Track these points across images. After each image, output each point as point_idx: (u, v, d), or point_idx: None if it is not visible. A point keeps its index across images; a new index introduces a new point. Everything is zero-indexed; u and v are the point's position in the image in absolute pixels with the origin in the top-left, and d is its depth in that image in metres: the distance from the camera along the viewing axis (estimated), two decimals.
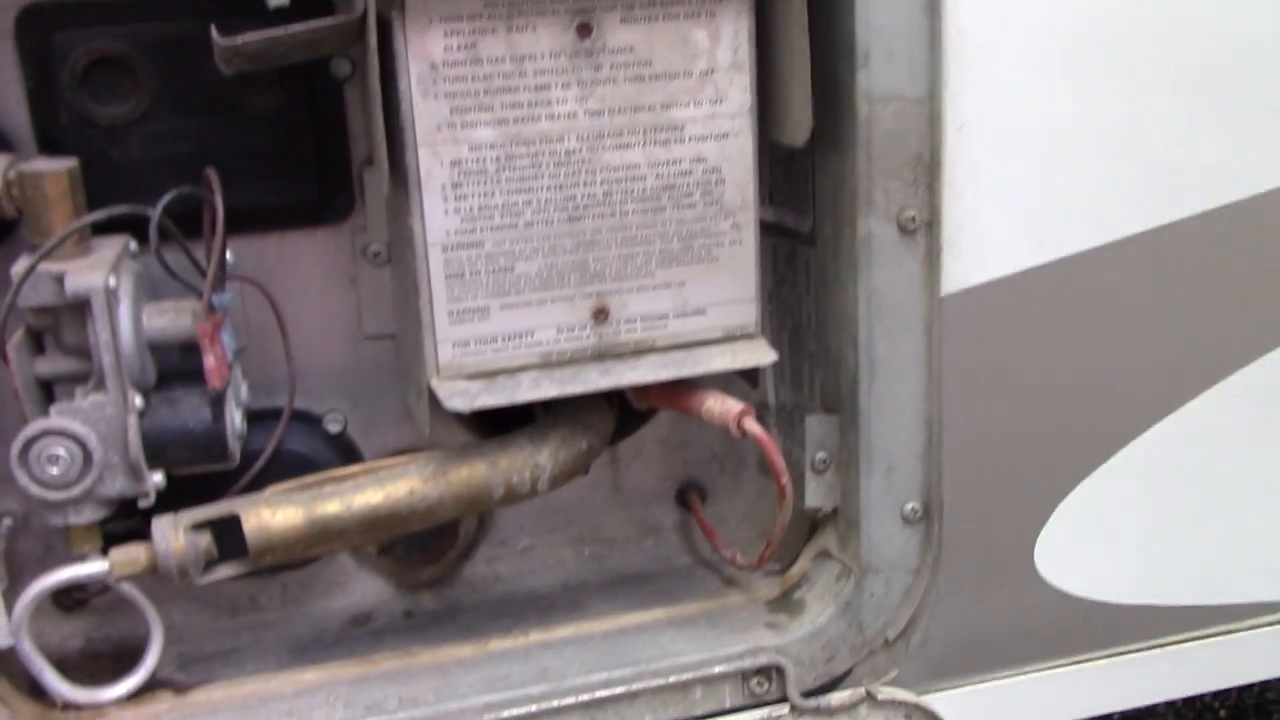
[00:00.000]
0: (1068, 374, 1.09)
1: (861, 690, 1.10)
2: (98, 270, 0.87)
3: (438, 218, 0.92)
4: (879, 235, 1.00)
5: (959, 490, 1.08)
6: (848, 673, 1.10)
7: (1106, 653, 1.19)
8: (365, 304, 1.06)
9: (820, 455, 1.09)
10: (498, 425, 1.06)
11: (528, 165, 0.93)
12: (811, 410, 1.11)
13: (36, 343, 0.92)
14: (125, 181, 0.96)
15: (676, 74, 0.95)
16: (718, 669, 1.05)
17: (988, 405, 1.07)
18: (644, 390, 1.03)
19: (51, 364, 0.91)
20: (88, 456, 0.89)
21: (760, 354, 1.01)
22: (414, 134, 0.90)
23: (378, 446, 1.11)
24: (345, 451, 1.09)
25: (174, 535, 0.91)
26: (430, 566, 1.16)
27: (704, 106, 0.96)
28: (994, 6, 0.98)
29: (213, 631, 1.10)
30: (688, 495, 1.22)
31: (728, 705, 1.07)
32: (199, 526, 0.93)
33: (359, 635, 1.10)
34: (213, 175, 0.91)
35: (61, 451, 0.88)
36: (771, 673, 1.07)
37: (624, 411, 1.09)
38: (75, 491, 0.89)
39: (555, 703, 1.02)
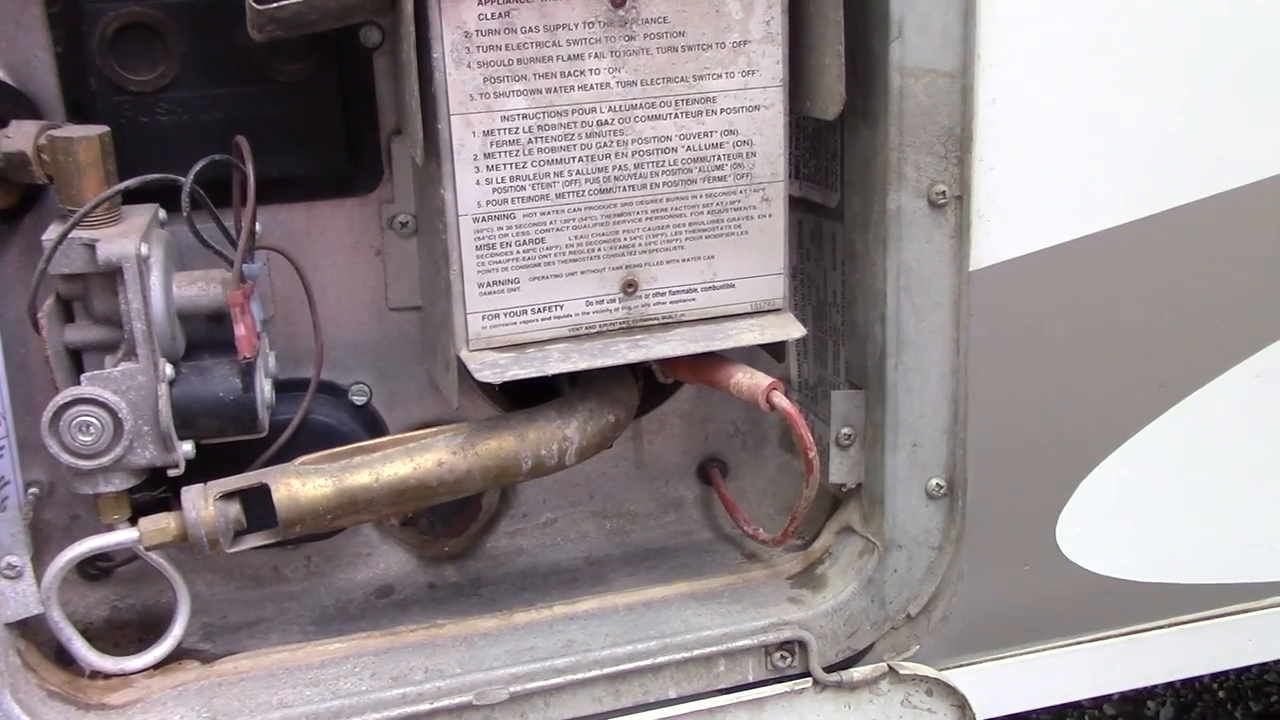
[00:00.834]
0: (1093, 351, 1.09)
1: (883, 665, 1.11)
2: (130, 238, 0.87)
3: (469, 188, 0.92)
4: (909, 210, 1.00)
5: (983, 466, 1.08)
6: (870, 648, 1.11)
7: (1126, 630, 1.19)
8: (391, 276, 1.06)
9: (845, 430, 1.09)
10: (520, 398, 1.06)
11: (560, 136, 0.93)
12: (836, 385, 1.11)
13: (66, 311, 0.91)
14: (153, 149, 0.95)
15: (709, 45, 0.94)
16: (741, 642, 1.06)
17: (1013, 382, 1.07)
18: (670, 364, 1.03)
19: (81, 332, 0.91)
20: (118, 425, 0.89)
21: (789, 328, 1.01)
22: (447, 103, 0.89)
23: (402, 418, 1.10)
24: (370, 423, 1.09)
25: (204, 504, 0.91)
26: (453, 539, 1.16)
27: (736, 78, 0.96)
28: None
29: (237, 602, 1.10)
30: (709, 470, 1.22)
31: (750, 678, 1.08)
32: (228, 496, 0.92)
33: (383, 607, 1.10)
34: (243, 143, 0.91)
35: (93, 419, 0.88)
36: (794, 647, 1.08)
37: (648, 385, 1.09)
38: (106, 460, 0.89)
39: (580, 675, 1.02)
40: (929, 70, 0.97)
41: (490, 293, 0.94)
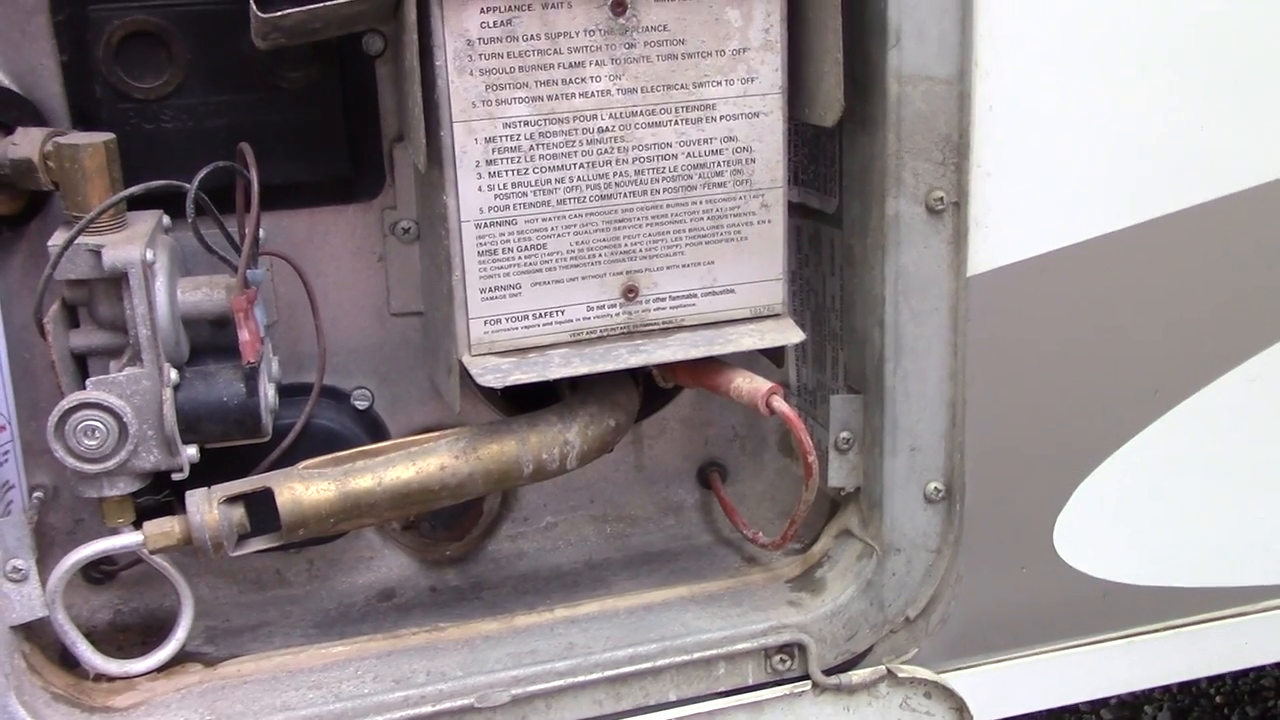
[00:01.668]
0: (1090, 356, 1.10)
1: (882, 668, 1.11)
2: (135, 244, 0.88)
3: (471, 194, 0.92)
4: (907, 215, 1.01)
5: (981, 471, 1.09)
6: (868, 651, 1.11)
7: (1123, 633, 1.20)
8: (394, 281, 1.07)
9: (844, 435, 1.10)
10: (521, 403, 1.07)
11: (561, 143, 0.93)
12: (834, 390, 1.12)
13: (71, 316, 0.92)
14: (158, 155, 0.96)
15: (709, 53, 0.95)
16: (740, 646, 1.06)
17: (1010, 386, 1.08)
18: (671, 368, 1.04)
19: (86, 337, 0.92)
20: (123, 429, 0.89)
21: (788, 333, 1.02)
22: (450, 110, 0.90)
23: (404, 423, 1.11)
24: (372, 427, 1.09)
25: (208, 508, 0.92)
26: (455, 543, 1.17)
27: (735, 85, 0.97)
28: None
29: (240, 606, 1.10)
30: (709, 474, 1.22)
31: (750, 681, 1.08)
32: (232, 500, 0.93)
33: (385, 610, 1.11)
34: (247, 150, 0.91)
35: (98, 424, 0.89)
36: (794, 650, 1.08)
37: (648, 390, 1.10)
38: (111, 464, 0.90)
39: (581, 678, 1.02)
40: (927, 77, 0.98)
41: (492, 298, 0.95)
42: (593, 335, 0.99)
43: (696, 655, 1.05)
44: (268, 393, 0.95)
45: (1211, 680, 2.36)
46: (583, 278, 0.97)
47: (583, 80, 0.93)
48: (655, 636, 1.06)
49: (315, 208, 1.04)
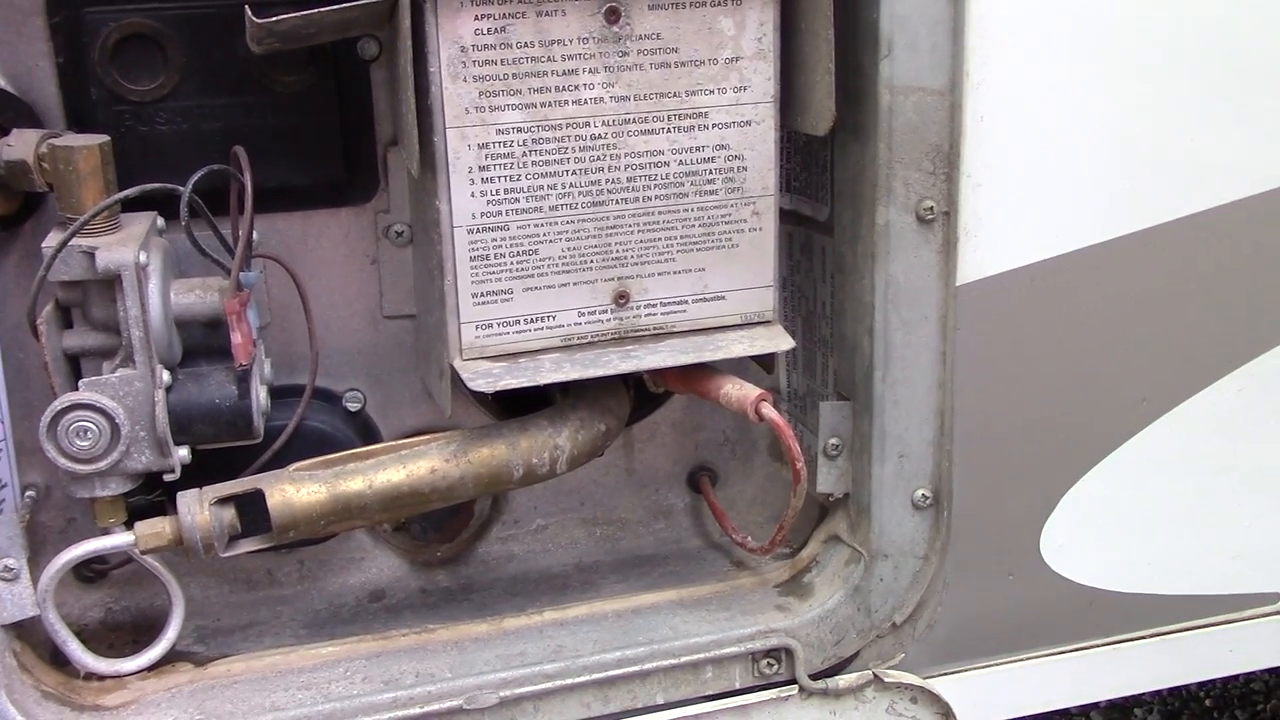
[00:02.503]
0: (1078, 365, 1.11)
1: (869, 673, 1.12)
2: (128, 246, 0.88)
3: (464, 200, 0.93)
4: (897, 224, 1.02)
5: (968, 478, 1.09)
6: (855, 655, 1.12)
7: (1109, 640, 1.20)
8: (386, 284, 1.07)
9: (833, 441, 1.11)
10: (512, 407, 1.07)
11: (554, 149, 0.94)
12: (824, 397, 1.12)
13: (65, 317, 0.93)
14: (152, 158, 0.96)
15: (702, 61, 0.96)
16: (728, 649, 1.07)
17: (998, 395, 1.09)
18: (661, 374, 1.05)
19: (79, 338, 0.92)
20: (115, 430, 0.90)
21: (778, 340, 1.02)
22: (443, 116, 0.91)
23: (396, 426, 1.12)
24: (364, 430, 1.10)
25: (199, 509, 0.92)
26: (445, 545, 1.17)
27: (728, 94, 0.97)
28: None
29: (230, 606, 1.11)
30: (699, 479, 1.23)
31: (737, 685, 1.09)
32: (223, 501, 0.94)
33: (375, 611, 1.11)
34: (241, 154, 0.92)
35: (90, 424, 0.89)
36: (781, 654, 1.09)
37: (639, 395, 1.10)
38: (102, 464, 0.90)
39: (569, 680, 1.03)
40: (918, 88, 0.99)
41: (484, 303, 0.96)
42: (584, 341, 0.99)
43: (684, 659, 1.06)
44: (259, 394, 0.96)
45: (1201, 684, 2.36)
46: (574, 283, 0.98)
47: (576, 87, 0.93)
48: (644, 640, 1.06)
49: (309, 211, 1.04)
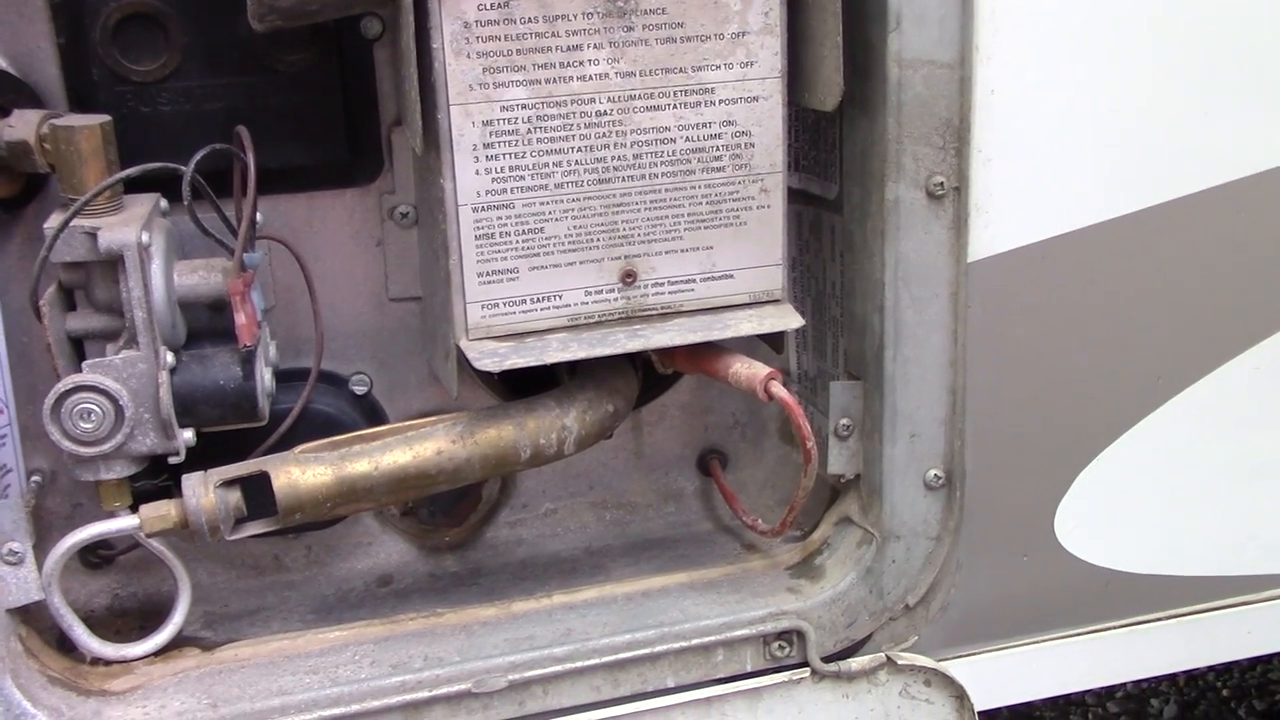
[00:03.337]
0: (1091, 343, 1.09)
1: (881, 655, 1.11)
2: (131, 226, 0.88)
3: (469, 178, 0.92)
4: (907, 201, 1.00)
5: (981, 457, 1.08)
6: (868, 638, 1.11)
7: (1124, 622, 1.19)
8: (391, 266, 1.07)
9: (844, 421, 1.10)
10: (520, 388, 1.07)
11: (559, 126, 0.93)
12: (835, 377, 1.11)
13: (67, 299, 0.92)
14: (154, 138, 0.96)
15: (708, 36, 0.95)
16: (739, 632, 1.06)
17: (1011, 373, 1.08)
18: (670, 354, 1.04)
19: (82, 320, 0.92)
20: (119, 412, 0.89)
21: (787, 318, 1.01)
22: (446, 93, 0.90)
23: (402, 408, 1.11)
24: (370, 412, 1.09)
25: (204, 492, 0.92)
26: (453, 529, 1.16)
27: (734, 69, 0.96)
28: None
29: (238, 591, 1.10)
30: (709, 461, 1.22)
31: (749, 668, 1.08)
32: (228, 483, 0.93)
33: (383, 595, 1.11)
34: (244, 133, 0.91)
35: (94, 407, 0.88)
36: (793, 637, 1.08)
37: (648, 376, 1.09)
38: (107, 447, 0.89)
39: (579, 664, 1.02)
40: (927, 61, 0.97)
41: (489, 282, 0.95)
42: (590, 320, 0.98)
43: (695, 642, 1.05)
44: (264, 376, 0.95)
45: (1218, 674, 2.35)
46: (580, 262, 0.97)
47: (581, 63, 0.92)
48: (654, 623, 1.05)
49: (313, 192, 1.04)
